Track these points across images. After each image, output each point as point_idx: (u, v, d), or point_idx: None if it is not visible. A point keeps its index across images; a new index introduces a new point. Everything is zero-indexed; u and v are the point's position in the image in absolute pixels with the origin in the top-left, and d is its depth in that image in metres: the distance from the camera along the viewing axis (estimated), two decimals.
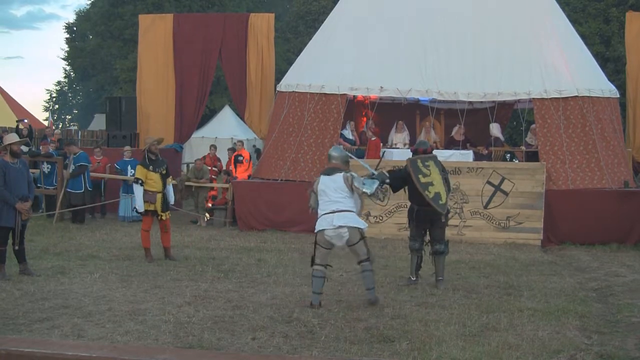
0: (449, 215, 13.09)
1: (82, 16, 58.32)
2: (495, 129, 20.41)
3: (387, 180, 11.73)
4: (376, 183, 11.09)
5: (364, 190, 10.78)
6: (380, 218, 18.09)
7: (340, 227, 10.48)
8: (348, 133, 20.92)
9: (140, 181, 14.39)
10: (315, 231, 10.75)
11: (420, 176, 12.15)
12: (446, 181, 12.47)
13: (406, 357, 8.32)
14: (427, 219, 12.39)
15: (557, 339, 9.18)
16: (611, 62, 36.39)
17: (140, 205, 14.46)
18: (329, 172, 10.94)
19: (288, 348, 8.64)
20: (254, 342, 8.86)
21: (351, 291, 11.07)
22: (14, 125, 26.93)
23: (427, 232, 12.66)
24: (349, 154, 11.91)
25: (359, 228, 10.67)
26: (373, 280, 10.85)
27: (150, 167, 14.48)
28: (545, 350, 8.65)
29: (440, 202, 12.18)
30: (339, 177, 10.77)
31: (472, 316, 10.29)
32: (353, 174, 10.93)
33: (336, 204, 10.59)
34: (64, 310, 10.19)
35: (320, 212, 10.77)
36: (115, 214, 21.29)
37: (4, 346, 3.64)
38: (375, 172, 11.53)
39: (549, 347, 8.77)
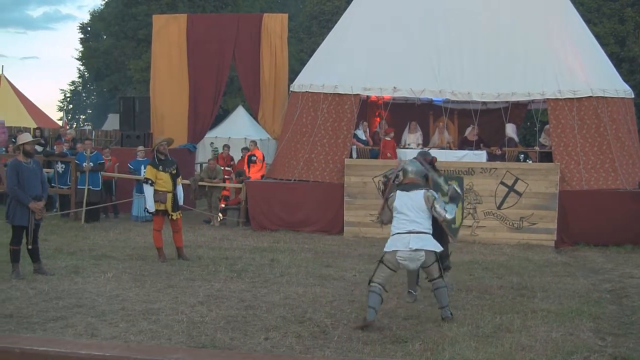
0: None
1: (96, 16, 58.42)
2: (510, 130, 20.39)
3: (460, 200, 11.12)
4: (455, 207, 10.43)
5: (445, 216, 10.06)
6: None
7: (417, 250, 9.76)
8: (361, 133, 20.92)
9: (150, 181, 14.45)
10: (385, 250, 9.93)
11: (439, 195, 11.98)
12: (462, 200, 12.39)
13: (419, 358, 8.32)
14: None
15: (571, 340, 9.15)
16: (626, 62, 36.19)
17: (150, 205, 14.52)
18: (407, 188, 10.18)
19: (301, 348, 8.65)
20: (267, 342, 8.87)
21: (364, 292, 11.04)
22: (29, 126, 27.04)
23: None
24: (427, 168, 11.05)
25: (435, 251, 9.96)
26: (446, 297, 10.20)
27: (160, 167, 14.52)
28: (559, 351, 8.63)
29: (454, 225, 12.10)
30: (418, 194, 10.03)
31: (485, 317, 10.27)
32: (434, 194, 10.19)
33: (413, 224, 9.85)
34: (78, 310, 10.23)
35: (394, 230, 9.99)
36: (128, 214, 21.38)
37: (18, 345, 3.65)
38: (448, 187, 10.96)
39: (562, 348, 8.74)
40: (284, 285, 12.27)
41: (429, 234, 9.96)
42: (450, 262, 12.40)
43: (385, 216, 10.33)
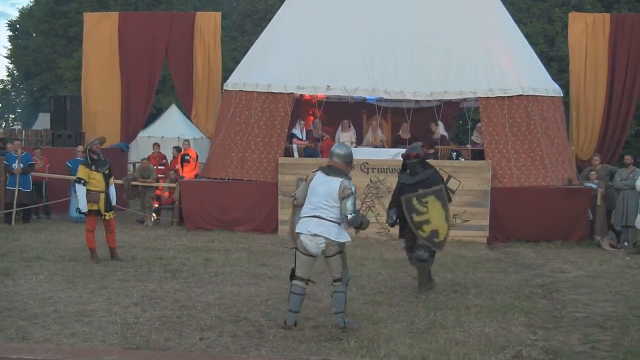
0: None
1: (26, 13, 57.34)
2: (442, 128, 20.60)
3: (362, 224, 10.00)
4: (360, 218, 9.74)
5: (347, 214, 9.41)
6: None
7: (316, 235, 9.38)
8: (298, 132, 20.94)
9: (82, 181, 14.24)
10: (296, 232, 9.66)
11: (413, 215, 11.54)
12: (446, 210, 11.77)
13: (354, 355, 8.35)
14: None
15: (503, 335, 9.29)
16: (555, 61, 36.81)
17: (83, 206, 14.30)
18: (328, 171, 9.65)
19: (236, 348, 8.63)
20: (202, 342, 8.83)
21: None
22: None
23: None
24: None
25: (338, 242, 9.49)
26: (344, 304, 9.54)
27: (93, 167, 14.33)
28: (492, 346, 8.75)
29: (436, 239, 11.53)
30: (335, 181, 9.49)
31: (419, 314, 10.37)
32: (352, 186, 9.48)
33: (318, 210, 9.43)
34: (8, 313, 10.04)
35: (301, 214, 9.64)
36: (60, 215, 21.04)
37: None
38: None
39: (495, 343, 8.87)
40: (219, 284, 12.22)
41: (333, 222, 9.46)
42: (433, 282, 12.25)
43: (300, 189, 9.96)
